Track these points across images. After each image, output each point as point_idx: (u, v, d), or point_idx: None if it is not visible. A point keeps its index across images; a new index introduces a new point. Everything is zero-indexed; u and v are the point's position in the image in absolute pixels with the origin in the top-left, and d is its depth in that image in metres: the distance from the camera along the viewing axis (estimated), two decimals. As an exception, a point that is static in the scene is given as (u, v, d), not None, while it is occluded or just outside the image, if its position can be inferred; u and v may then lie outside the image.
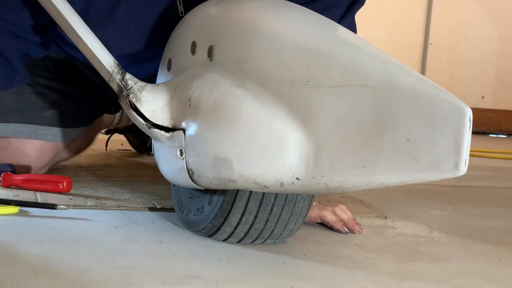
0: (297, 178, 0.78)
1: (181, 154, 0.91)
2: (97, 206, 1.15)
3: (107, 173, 1.56)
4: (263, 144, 0.80)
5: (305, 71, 0.78)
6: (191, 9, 1.01)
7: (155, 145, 1.01)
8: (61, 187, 1.20)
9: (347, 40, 0.79)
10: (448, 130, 0.67)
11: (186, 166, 0.91)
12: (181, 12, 1.06)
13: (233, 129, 0.82)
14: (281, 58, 0.81)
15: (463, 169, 0.67)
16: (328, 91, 0.75)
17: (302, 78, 0.77)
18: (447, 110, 0.67)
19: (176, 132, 0.93)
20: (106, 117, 1.56)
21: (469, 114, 0.66)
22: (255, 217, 0.94)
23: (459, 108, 0.67)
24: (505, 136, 4.55)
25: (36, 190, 1.22)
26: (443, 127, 0.67)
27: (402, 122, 0.70)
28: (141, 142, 1.94)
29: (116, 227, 1.03)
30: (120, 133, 1.89)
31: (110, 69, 0.96)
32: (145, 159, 1.92)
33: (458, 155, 0.67)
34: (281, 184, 0.79)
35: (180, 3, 1.06)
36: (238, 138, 0.82)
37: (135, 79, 0.97)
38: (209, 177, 0.87)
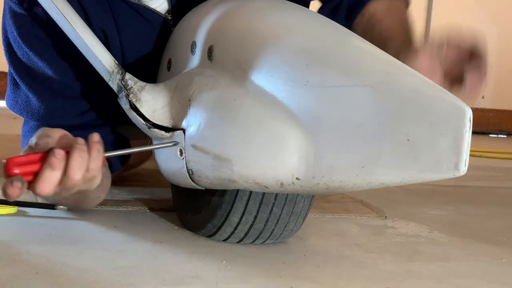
0: (297, 178, 0.78)
1: (181, 154, 0.91)
2: (97, 206, 1.15)
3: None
4: (263, 144, 0.80)
5: (305, 71, 0.78)
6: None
7: (155, 145, 1.01)
8: None
9: (347, 40, 0.79)
10: (448, 130, 0.67)
11: (186, 166, 0.91)
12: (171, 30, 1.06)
13: (233, 129, 0.82)
14: (281, 58, 0.81)
15: (463, 169, 0.67)
16: (328, 91, 0.75)
17: (302, 78, 0.77)
18: (447, 110, 0.67)
19: (176, 132, 0.93)
20: None
21: (469, 114, 0.66)
22: (255, 217, 0.94)
23: (459, 108, 0.67)
24: (505, 136, 4.54)
25: None
26: (443, 127, 0.67)
27: (402, 122, 0.70)
28: None
29: (115, 227, 1.03)
30: None
31: (110, 69, 0.96)
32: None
33: (458, 155, 0.67)
34: (281, 184, 0.79)
35: (171, 22, 1.06)
36: (238, 138, 0.82)
37: (135, 79, 0.96)
38: (209, 177, 0.87)
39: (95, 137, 0.82)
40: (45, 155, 0.78)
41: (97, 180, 0.84)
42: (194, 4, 1.02)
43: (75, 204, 1.06)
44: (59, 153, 0.78)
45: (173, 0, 1.04)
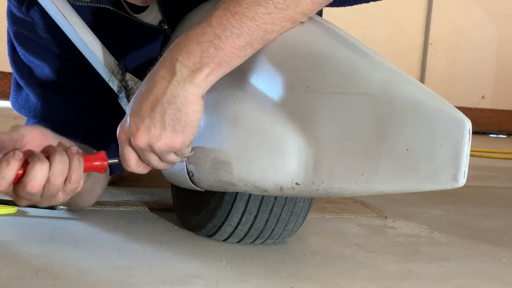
0: (297, 184, 0.78)
1: (181, 154, 0.91)
2: (96, 206, 1.15)
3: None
4: (263, 148, 0.79)
5: (305, 76, 0.77)
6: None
7: (155, 145, 1.01)
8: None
9: (348, 46, 0.78)
10: (448, 142, 0.67)
11: (186, 168, 0.91)
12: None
13: (232, 133, 0.82)
14: (282, 62, 0.80)
15: (462, 180, 0.67)
16: (328, 97, 0.75)
17: (303, 83, 0.77)
18: (446, 121, 0.67)
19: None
20: None
21: (468, 126, 0.66)
22: (255, 217, 0.94)
23: (459, 120, 0.67)
24: (505, 136, 4.55)
25: None
26: (442, 138, 0.67)
27: (401, 132, 0.69)
28: None
29: (115, 227, 1.03)
30: None
31: (110, 69, 0.96)
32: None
33: (457, 166, 0.67)
34: (281, 188, 0.79)
35: (169, 30, 1.05)
36: (237, 141, 0.82)
37: (135, 79, 0.96)
38: (209, 179, 0.87)
39: (73, 149, 0.82)
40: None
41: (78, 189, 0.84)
42: (187, 10, 1.02)
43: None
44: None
45: (165, 9, 1.04)
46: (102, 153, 0.85)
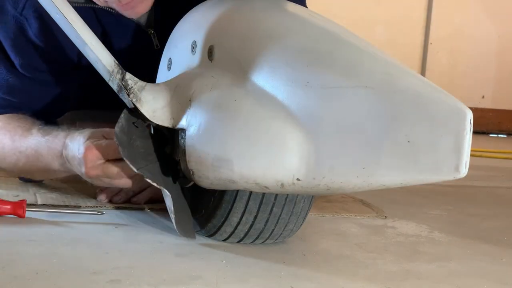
0: (298, 179, 0.78)
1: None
2: (96, 206, 1.15)
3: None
4: (264, 144, 0.80)
5: (305, 71, 0.78)
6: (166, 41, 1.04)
7: (155, 145, 1.01)
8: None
9: (348, 41, 0.78)
10: (449, 132, 0.67)
11: (187, 167, 0.91)
12: (157, 45, 1.08)
13: (233, 130, 0.82)
14: (282, 58, 0.81)
15: (463, 171, 0.67)
16: (328, 92, 0.75)
17: (303, 79, 0.77)
18: (447, 112, 0.67)
19: (176, 132, 0.92)
20: None
21: (469, 116, 0.66)
22: (255, 217, 0.94)
23: (460, 110, 0.67)
24: (505, 136, 4.54)
25: None
26: (443, 129, 0.67)
27: (403, 124, 0.69)
28: None
29: (116, 227, 1.03)
30: None
31: (110, 69, 0.96)
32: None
33: (459, 157, 0.67)
34: (282, 184, 0.79)
35: (154, 37, 1.07)
36: (238, 138, 0.82)
37: (135, 78, 0.96)
38: (209, 177, 0.87)
39: None
40: None
41: None
42: (174, 11, 1.03)
43: None
44: None
45: (157, 13, 1.06)
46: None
